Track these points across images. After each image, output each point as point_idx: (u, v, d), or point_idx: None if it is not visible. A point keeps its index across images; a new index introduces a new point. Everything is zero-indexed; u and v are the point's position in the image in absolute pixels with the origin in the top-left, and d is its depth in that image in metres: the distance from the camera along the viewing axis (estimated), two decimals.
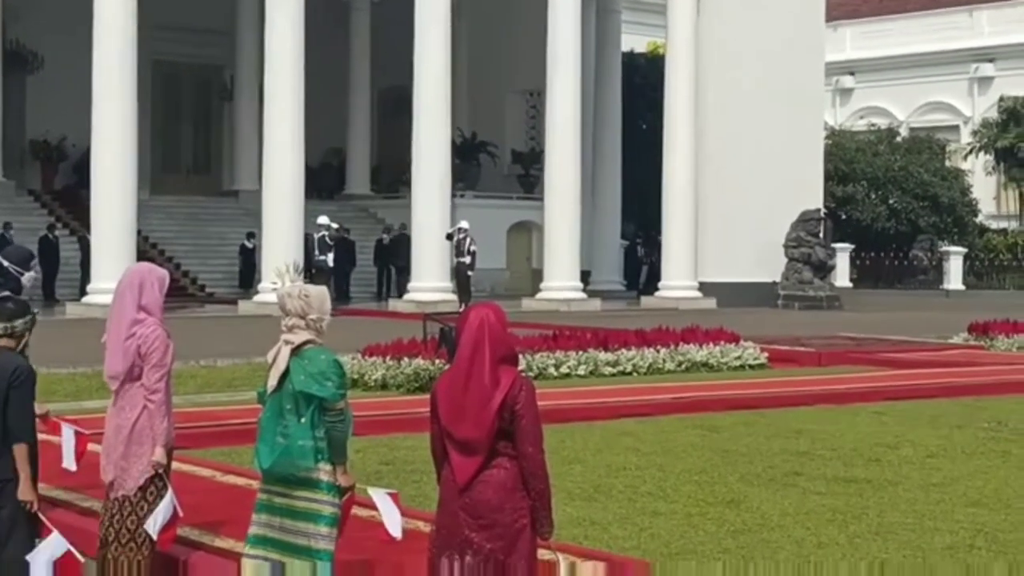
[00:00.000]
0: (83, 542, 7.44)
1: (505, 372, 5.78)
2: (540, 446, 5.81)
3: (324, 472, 6.63)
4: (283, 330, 6.73)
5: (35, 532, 7.13)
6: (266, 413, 6.73)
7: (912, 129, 62.19)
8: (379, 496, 6.88)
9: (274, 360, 6.71)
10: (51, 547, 6.87)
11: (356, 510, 8.57)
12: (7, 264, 9.26)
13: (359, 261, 39.19)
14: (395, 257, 38.97)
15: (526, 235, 42.03)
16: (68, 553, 6.90)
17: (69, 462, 8.33)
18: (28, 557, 6.82)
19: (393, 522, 6.87)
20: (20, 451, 6.96)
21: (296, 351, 6.64)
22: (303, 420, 6.58)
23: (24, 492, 6.95)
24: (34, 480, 7.14)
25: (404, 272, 37.94)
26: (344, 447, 6.70)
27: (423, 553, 6.14)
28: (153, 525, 7.10)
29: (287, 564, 6.60)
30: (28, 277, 9.36)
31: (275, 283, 6.87)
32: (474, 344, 5.78)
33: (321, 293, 6.79)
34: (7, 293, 8.89)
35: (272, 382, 6.69)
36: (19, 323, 7.16)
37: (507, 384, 5.75)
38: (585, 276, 37.81)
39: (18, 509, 6.97)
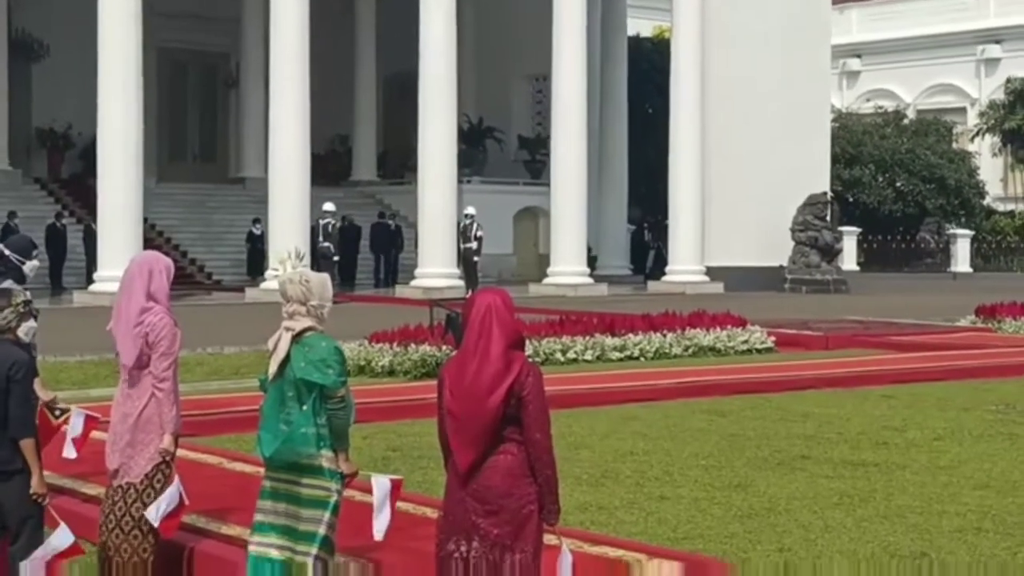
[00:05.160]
0: (86, 529, 7.46)
1: (512, 357, 5.78)
2: (547, 432, 5.81)
3: (326, 459, 6.63)
4: (284, 316, 6.72)
5: (42, 525, 7.16)
6: (268, 401, 6.73)
7: (919, 111, 62.14)
8: (379, 486, 6.85)
9: (275, 347, 6.71)
10: (58, 540, 6.90)
11: (363, 496, 8.59)
12: (8, 253, 9.25)
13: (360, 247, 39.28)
14: (378, 244, 39.11)
15: (533, 221, 42.02)
16: (75, 545, 6.94)
17: (69, 451, 8.31)
18: (32, 554, 6.86)
19: (381, 520, 6.83)
20: (28, 445, 6.98)
21: (297, 338, 6.63)
22: (305, 408, 6.58)
23: (37, 485, 6.98)
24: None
25: (386, 258, 38.23)
26: (346, 434, 6.70)
27: (430, 539, 6.14)
28: (155, 512, 7.10)
29: (297, 560, 6.60)
30: (30, 266, 9.35)
31: (276, 269, 6.86)
32: (480, 329, 5.78)
33: (322, 280, 6.78)
34: (9, 282, 8.87)
35: (273, 369, 6.68)
36: None
37: (515, 370, 5.74)
38: (592, 261, 37.78)
39: (28, 502, 6.99)
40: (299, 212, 31.64)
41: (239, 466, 10.42)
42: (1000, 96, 57.68)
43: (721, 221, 37.27)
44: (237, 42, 43.32)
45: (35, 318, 7.35)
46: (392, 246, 39.25)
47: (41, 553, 6.87)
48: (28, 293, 7.52)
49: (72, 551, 6.95)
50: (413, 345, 17.64)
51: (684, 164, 36.80)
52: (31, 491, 6.97)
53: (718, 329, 20.98)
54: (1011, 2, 61.39)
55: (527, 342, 16.82)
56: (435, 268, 32.98)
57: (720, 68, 37.48)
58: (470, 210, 34.51)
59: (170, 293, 7.37)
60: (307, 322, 6.66)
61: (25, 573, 6.87)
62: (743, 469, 10.90)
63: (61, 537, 6.92)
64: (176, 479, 7.26)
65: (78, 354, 18.07)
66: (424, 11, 33.38)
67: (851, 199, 53.26)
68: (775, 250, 37.93)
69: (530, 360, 5.92)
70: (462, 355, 5.85)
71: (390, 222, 39.97)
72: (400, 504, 7.23)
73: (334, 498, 6.63)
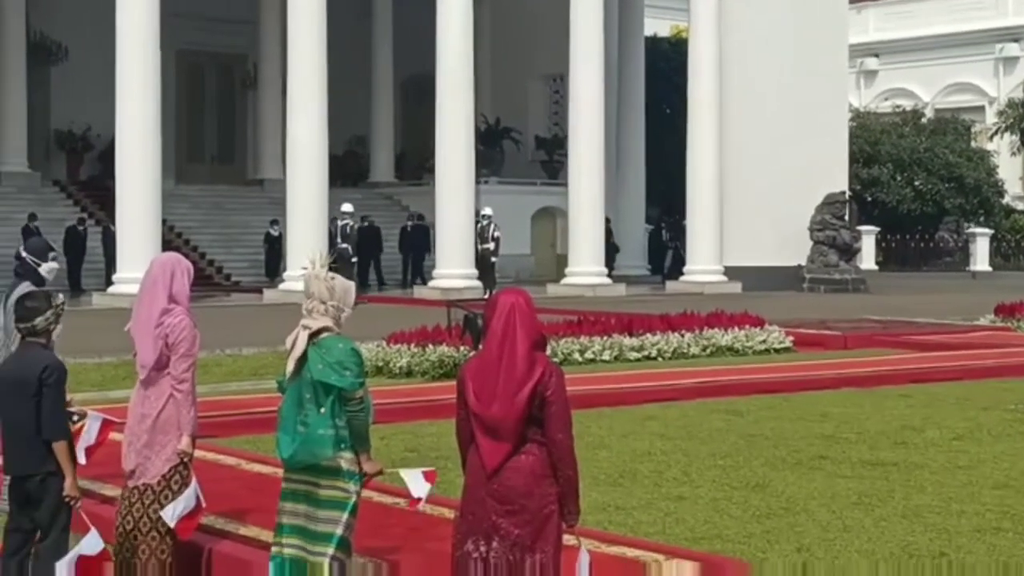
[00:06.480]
0: (103, 530, 7.48)
1: (535, 358, 5.78)
2: (569, 432, 5.82)
3: (345, 460, 6.63)
4: (303, 314, 6.74)
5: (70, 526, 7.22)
6: (286, 402, 6.73)
7: (937, 110, 61.95)
8: (412, 476, 6.88)
9: (292, 345, 6.72)
10: (89, 545, 6.96)
11: (381, 497, 8.61)
12: (25, 255, 9.31)
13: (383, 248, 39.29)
14: (414, 246, 39.05)
15: (550, 221, 42.01)
16: (104, 551, 7.00)
17: (80, 456, 8.34)
18: (59, 562, 6.93)
19: (418, 487, 6.84)
20: (61, 448, 7.05)
21: (314, 338, 6.64)
22: (323, 410, 6.58)
23: (70, 488, 7.04)
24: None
25: (422, 261, 38.09)
26: (366, 435, 6.70)
27: (447, 540, 6.14)
28: (171, 513, 7.12)
29: (313, 561, 6.60)
30: (47, 268, 9.39)
31: (305, 267, 6.89)
32: (504, 329, 5.77)
33: (347, 285, 6.79)
34: (27, 284, 8.92)
35: (290, 367, 6.69)
36: (39, 320, 7.17)
37: (538, 370, 5.75)
38: (610, 261, 37.76)
39: (60, 503, 7.05)
40: (317, 213, 31.67)
41: (257, 467, 10.44)
42: (1019, 94, 57.43)
43: (739, 221, 37.21)
44: (255, 43, 43.41)
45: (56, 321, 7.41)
46: (427, 248, 39.10)
47: (71, 557, 6.93)
48: (61, 296, 7.58)
49: (102, 557, 7.01)
50: (431, 346, 17.66)
51: (702, 163, 36.77)
52: (64, 493, 7.04)
53: (736, 329, 20.95)
54: None
55: None
56: (453, 269, 32.99)
57: (737, 67, 37.44)
58: (487, 211, 34.51)
59: (190, 295, 7.39)
60: (324, 321, 6.66)
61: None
62: (761, 469, 10.88)
63: (92, 543, 6.97)
64: (194, 481, 7.28)
65: (97, 356, 18.11)
66: (441, 12, 33.39)
67: (869, 198, 53.14)
68: (793, 250, 37.87)
69: (552, 361, 5.93)
70: (485, 356, 5.84)
71: (408, 223, 39.92)
72: (418, 504, 7.24)
73: (352, 499, 6.64)
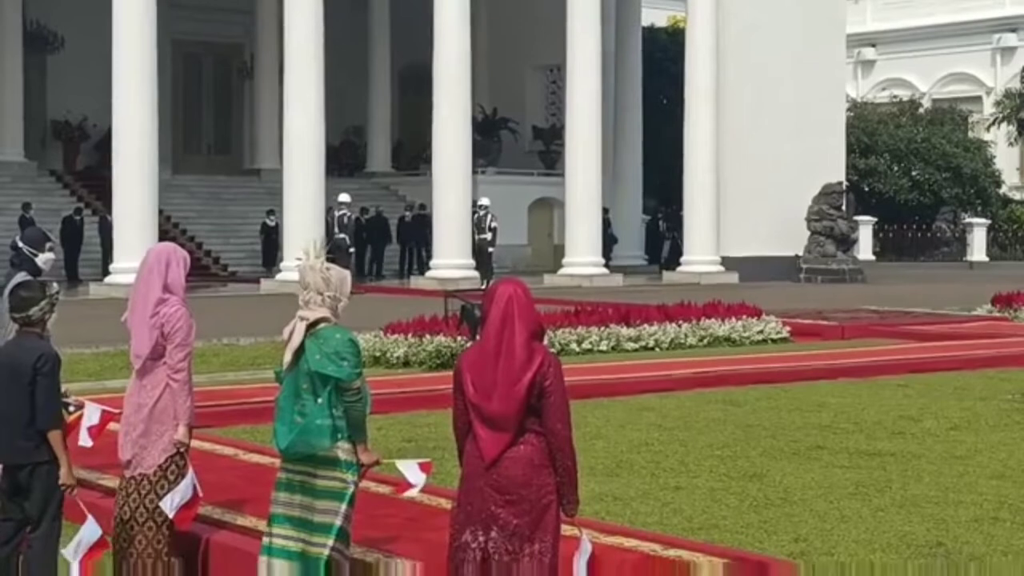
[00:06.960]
0: (103, 522, 7.48)
1: (534, 349, 5.78)
2: (568, 423, 5.82)
3: (342, 451, 6.62)
4: (300, 305, 6.73)
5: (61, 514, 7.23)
6: (283, 393, 6.72)
7: (934, 100, 61.94)
8: (408, 466, 6.90)
9: (289, 336, 6.71)
10: (88, 534, 6.97)
11: (377, 487, 8.61)
12: (22, 245, 9.30)
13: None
14: (414, 236, 38.99)
15: (547, 211, 41.98)
16: (103, 538, 7.02)
17: (85, 440, 8.35)
18: (64, 550, 6.95)
19: (415, 478, 6.88)
20: (55, 437, 7.07)
21: (311, 329, 6.62)
22: (320, 400, 6.57)
23: (66, 477, 7.05)
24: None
25: (424, 251, 38.01)
26: (363, 425, 6.69)
27: (444, 530, 6.14)
28: (169, 504, 7.12)
29: (312, 552, 6.60)
30: (43, 258, 9.38)
31: (299, 258, 6.88)
32: (503, 320, 5.77)
33: (342, 275, 6.77)
34: (23, 274, 8.92)
35: (287, 358, 6.68)
36: (34, 311, 7.18)
37: (536, 361, 5.75)
38: (607, 251, 37.75)
39: (51, 492, 7.06)
40: (314, 203, 31.65)
41: (254, 457, 10.43)
42: (1016, 85, 57.43)
43: (736, 211, 37.20)
44: (251, 33, 43.36)
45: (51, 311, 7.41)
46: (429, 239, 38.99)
47: (73, 547, 6.95)
48: (56, 285, 7.58)
49: (101, 544, 7.02)
50: (428, 336, 17.65)
51: (699, 154, 36.74)
52: (60, 482, 7.06)
53: (733, 319, 20.96)
54: None
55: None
56: (450, 259, 32.97)
57: (735, 58, 37.40)
58: (484, 201, 34.50)
59: (186, 285, 7.39)
60: (321, 312, 6.65)
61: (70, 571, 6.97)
62: (758, 459, 10.89)
63: (90, 531, 6.98)
64: (190, 471, 7.27)
65: (94, 346, 18.11)
66: (438, 2, 33.33)
67: (867, 188, 53.15)
68: (790, 240, 37.87)
69: (549, 351, 5.92)
70: (483, 347, 5.84)
71: (407, 214, 39.86)
72: (414, 495, 7.24)
73: (350, 489, 6.62)
